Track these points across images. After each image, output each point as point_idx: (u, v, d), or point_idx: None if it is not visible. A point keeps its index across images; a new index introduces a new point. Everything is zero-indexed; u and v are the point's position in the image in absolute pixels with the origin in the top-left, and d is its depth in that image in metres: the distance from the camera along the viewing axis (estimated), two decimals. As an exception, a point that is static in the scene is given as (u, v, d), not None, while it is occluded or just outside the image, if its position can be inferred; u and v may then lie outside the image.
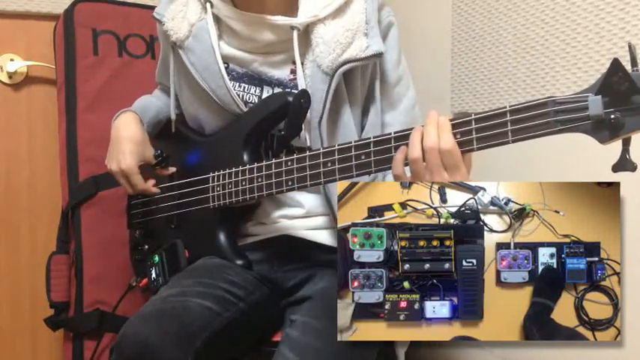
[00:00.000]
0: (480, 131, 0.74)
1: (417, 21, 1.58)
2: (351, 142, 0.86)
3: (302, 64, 1.02)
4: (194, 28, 1.07)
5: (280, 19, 1.02)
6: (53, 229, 1.47)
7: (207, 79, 1.06)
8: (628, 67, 0.65)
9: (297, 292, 1.06)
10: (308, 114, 0.99)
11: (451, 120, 0.77)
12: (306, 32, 1.03)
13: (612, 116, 0.65)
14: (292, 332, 0.91)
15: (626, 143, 0.66)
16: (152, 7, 1.49)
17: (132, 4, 1.53)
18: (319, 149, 0.90)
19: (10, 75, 1.55)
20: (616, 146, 0.67)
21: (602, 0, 1.05)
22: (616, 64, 0.64)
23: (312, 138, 1.01)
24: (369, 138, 0.84)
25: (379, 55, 0.99)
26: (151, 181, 1.15)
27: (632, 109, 0.64)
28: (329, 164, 0.88)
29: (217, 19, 1.07)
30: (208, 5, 1.05)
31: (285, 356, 0.87)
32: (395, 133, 0.82)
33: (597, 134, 0.67)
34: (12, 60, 1.54)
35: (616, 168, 0.67)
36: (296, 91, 0.99)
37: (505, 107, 0.72)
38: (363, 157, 0.84)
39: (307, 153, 0.91)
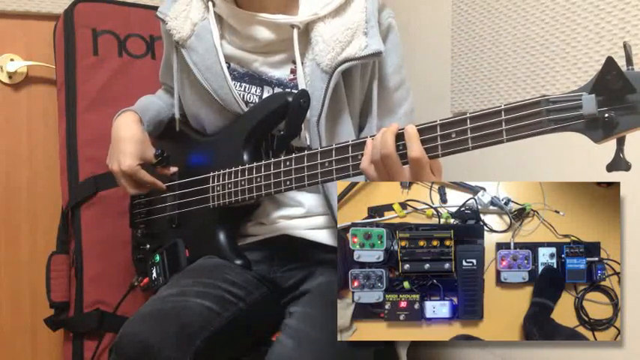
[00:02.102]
0: (474, 131, 0.74)
1: (417, 21, 1.57)
2: (348, 142, 0.86)
3: (302, 63, 1.02)
4: (197, 27, 1.07)
5: (281, 18, 1.02)
6: (53, 229, 1.47)
7: (209, 79, 1.06)
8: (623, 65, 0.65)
9: (296, 290, 1.06)
10: (307, 113, 0.99)
11: (445, 119, 0.77)
12: (306, 31, 1.03)
13: (606, 115, 0.64)
14: (291, 321, 0.92)
15: (621, 142, 0.66)
16: (152, 7, 1.50)
17: (132, 4, 1.53)
18: (317, 149, 0.90)
19: (10, 75, 1.54)
20: (615, 146, 0.67)
21: (602, 0, 1.05)
22: (610, 62, 0.64)
23: (311, 137, 1.01)
24: (366, 137, 0.84)
25: (378, 55, 0.99)
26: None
27: (626, 108, 0.64)
28: (326, 164, 0.88)
29: (219, 18, 1.07)
30: (210, 4, 1.05)
31: (282, 343, 0.88)
32: None
33: (591, 133, 0.66)
34: (12, 60, 1.54)
35: (610, 167, 0.67)
36: (295, 91, 0.99)
37: (499, 106, 0.72)
38: (360, 156, 0.84)
39: (305, 152, 0.91)
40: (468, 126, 0.74)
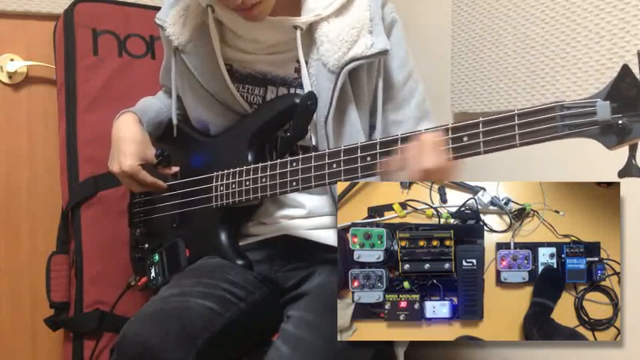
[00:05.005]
0: (487, 135, 0.74)
1: (417, 21, 1.58)
2: (357, 144, 0.86)
3: (306, 63, 1.02)
4: (196, 31, 1.07)
5: (283, 19, 1.02)
6: (53, 229, 1.47)
7: (210, 82, 1.06)
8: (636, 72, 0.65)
9: (295, 290, 1.07)
10: (314, 114, 0.99)
11: (458, 122, 0.77)
12: (309, 31, 1.02)
13: (620, 122, 0.65)
14: (287, 326, 0.92)
15: (633, 149, 0.66)
16: (152, 7, 1.50)
17: (132, 4, 1.53)
18: (325, 150, 0.90)
19: (10, 75, 1.54)
20: (627, 152, 0.67)
21: (602, 0, 1.05)
22: (625, 70, 0.64)
23: (318, 138, 1.00)
24: (375, 139, 0.84)
25: (385, 53, 0.99)
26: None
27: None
28: (334, 165, 0.88)
29: (219, 22, 1.07)
30: (209, 10, 1.05)
31: (278, 349, 0.88)
32: (401, 134, 0.82)
33: (604, 139, 0.67)
34: (12, 60, 1.54)
35: (622, 174, 0.67)
36: (302, 93, 0.99)
37: (513, 111, 0.72)
38: (369, 158, 0.84)
39: (312, 153, 0.91)
40: (480, 130, 0.74)
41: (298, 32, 1.01)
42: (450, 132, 0.77)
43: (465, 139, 0.75)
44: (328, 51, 0.99)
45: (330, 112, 0.99)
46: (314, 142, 1.01)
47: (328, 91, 0.99)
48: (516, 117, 0.71)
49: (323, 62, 0.99)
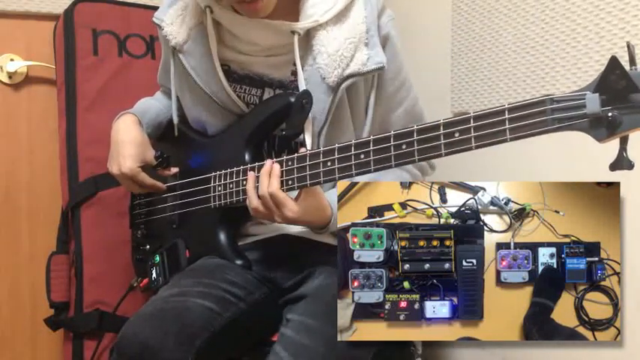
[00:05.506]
0: (477, 130, 0.74)
1: (417, 21, 1.58)
2: (350, 141, 0.86)
3: (302, 67, 1.02)
4: (193, 31, 1.07)
5: (281, 23, 1.01)
6: (53, 229, 1.47)
7: (207, 82, 1.06)
8: (627, 65, 0.65)
9: (295, 291, 1.06)
10: (311, 125, 0.99)
11: (449, 119, 0.77)
12: (307, 37, 1.02)
13: (609, 114, 0.64)
14: (287, 331, 0.92)
15: (624, 141, 0.66)
16: (152, 7, 1.50)
17: (132, 4, 1.53)
18: (319, 149, 0.90)
19: (10, 75, 1.54)
20: (616, 146, 0.67)
21: (602, 0, 1.05)
22: (614, 62, 0.64)
23: (312, 148, 1.00)
24: (369, 137, 0.84)
25: (381, 69, 0.99)
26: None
27: (629, 107, 0.64)
28: (329, 163, 0.88)
29: (217, 23, 1.07)
30: (208, 10, 1.05)
31: (278, 355, 0.88)
32: (394, 131, 0.82)
33: (595, 132, 0.66)
34: (12, 60, 1.54)
35: (613, 166, 0.67)
36: (298, 92, 0.99)
37: (503, 105, 0.72)
38: (362, 156, 0.84)
39: (307, 152, 0.91)
40: (472, 125, 0.74)
41: (296, 37, 1.01)
42: (441, 128, 0.76)
43: (457, 134, 0.75)
44: (328, 66, 0.99)
45: (325, 125, 0.99)
46: (308, 148, 1.01)
47: (325, 105, 0.99)
48: (507, 111, 0.71)
49: (321, 75, 0.99)
